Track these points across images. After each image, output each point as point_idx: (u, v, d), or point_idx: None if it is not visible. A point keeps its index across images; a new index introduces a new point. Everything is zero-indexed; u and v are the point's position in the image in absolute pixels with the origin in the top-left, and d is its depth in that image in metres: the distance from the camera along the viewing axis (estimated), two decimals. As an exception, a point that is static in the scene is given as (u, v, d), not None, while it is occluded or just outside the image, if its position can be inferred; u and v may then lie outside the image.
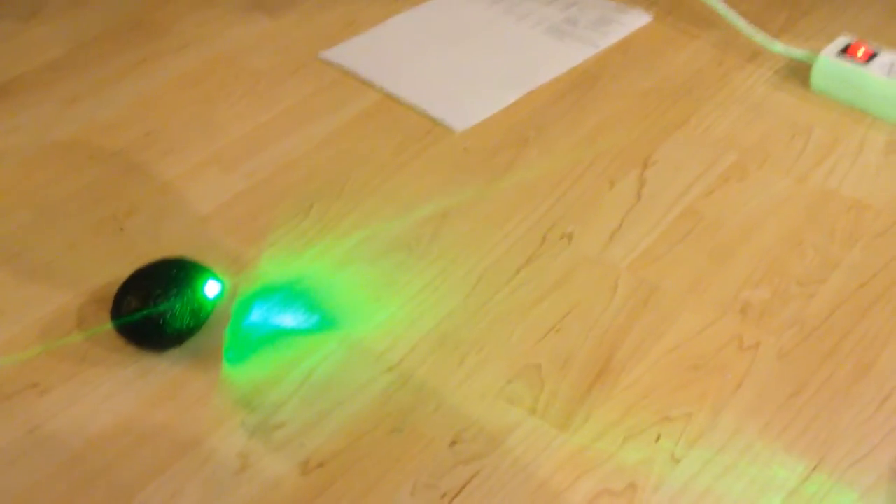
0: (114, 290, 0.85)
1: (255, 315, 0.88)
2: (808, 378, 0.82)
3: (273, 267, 0.94)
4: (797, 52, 1.19)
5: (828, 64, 1.13)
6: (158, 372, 0.83)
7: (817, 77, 1.14)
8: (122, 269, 0.87)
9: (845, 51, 1.13)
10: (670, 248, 0.95)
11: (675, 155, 1.06)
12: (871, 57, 1.11)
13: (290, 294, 0.91)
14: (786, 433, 0.78)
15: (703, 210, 0.99)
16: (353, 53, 1.22)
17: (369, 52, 1.22)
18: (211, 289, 0.85)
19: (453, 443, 0.77)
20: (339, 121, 1.11)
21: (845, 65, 1.11)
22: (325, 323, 0.88)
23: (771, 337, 0.86)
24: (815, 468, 0.75)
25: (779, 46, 1.20)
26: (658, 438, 0.77)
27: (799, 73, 1.17)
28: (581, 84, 1.17)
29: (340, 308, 0.89)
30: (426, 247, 0.96)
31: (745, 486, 0.74)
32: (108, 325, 0.84)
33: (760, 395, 0.81)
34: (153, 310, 0.81)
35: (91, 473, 0.75)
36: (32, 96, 1.13)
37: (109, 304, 0.85)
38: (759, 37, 1.22)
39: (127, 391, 0.81)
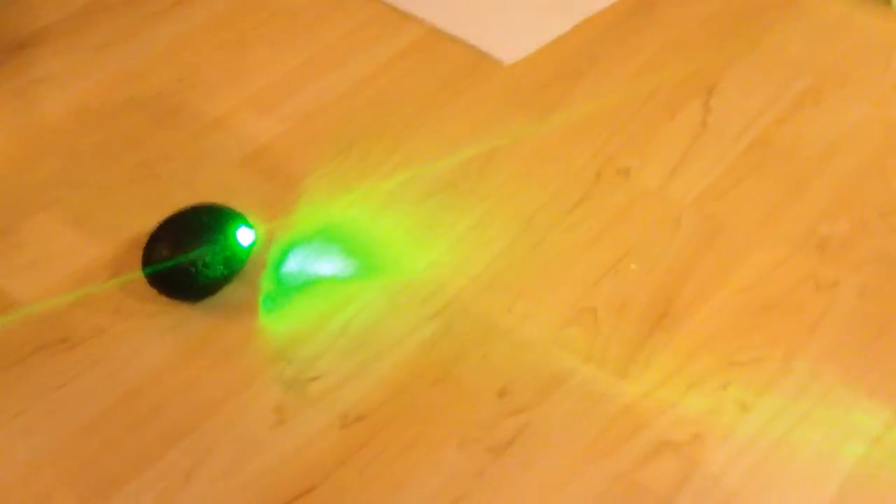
0: (148, 238, 0.81)
1: (293, 262, 0.84)
2: (892, 318, 0.75)
3: (311, 212, 0.89)
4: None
5: (912, -24, 1.03)
6: (192, 323, 0.79)
7: (900, -9, 1.04)
8: (158, 217, 0.83)
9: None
10: (738, 181, 0.87)
11: (743, 81, 0.98)
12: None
13: (329, 240, 0.86)
14: (867, 378, 0.71)
15: (774, 139, 0.91)
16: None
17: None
18: (244, 236, 0.80)
19: (502, 393, 0.72)
20: (380, 58, 1.05)
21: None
22: (366, 269, 0.83)
23: (851, 274, 0.78)
24: (902, 416, 0.68)
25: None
26: (726, 386, 0.71)
27: (879, -12, 1.07)
28: (637, 10, 1.09)
29: (382, 253, 0.84)
30: (473, 185, 0.90)
31: (823, 435, 0.67)
32: (140, 275, 0.80)
33: (839, 338, 0.74)
34: (183, 258, 0.76)
35: (120, 430, 0.71)
36: (62, 44, 1.09)
37: (142, 254, 0.81)
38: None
39: (159, 343, 0.78)
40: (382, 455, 0.68)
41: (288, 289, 0.81)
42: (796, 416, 0.68)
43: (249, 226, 0.81)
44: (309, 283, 0.81)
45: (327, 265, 0.83)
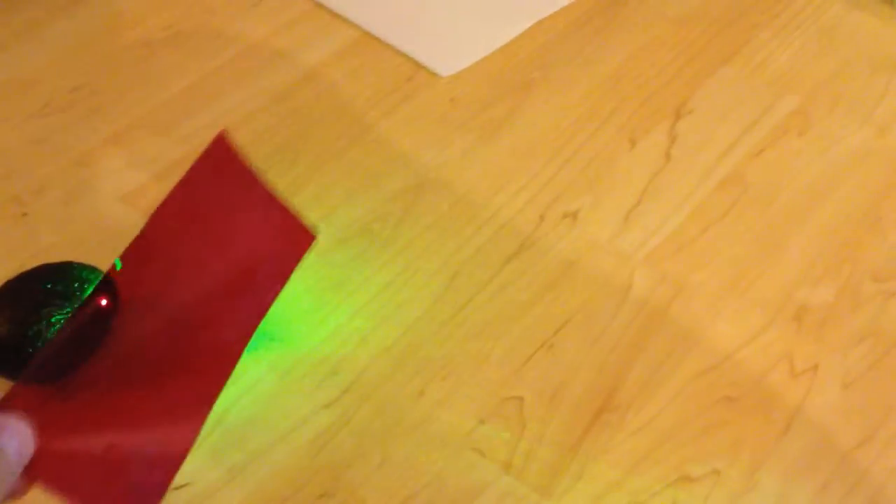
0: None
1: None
2: (882, 418, 0.61)
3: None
4: (882, -42, 0.93)
5: (922, -26, 0.87)
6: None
7: (908, -9, 0.89)
8: (19, 266, 0.69)
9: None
10: (703, 230, 0.73)
11: (718, 100, 0.83)
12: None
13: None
14: (849, 500, 0.58)
15: (750, 176, 0.77)
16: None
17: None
18: (105, 301, 0.67)
19: (398, 514, 0.59)
20: (303, 66, 0.91)
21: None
22: (254, 341, 0.69)
23: (834, 356, 0.65)
24: (889, 557, 0.55)
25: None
26: (673, 508, 0.58)
27: (884, -14, 0.92)
28: (601, 11, 0.94)
29: (275, 319, 0.71)
30: (392, 231, 0.76)
31: (791, 582, 0.54)
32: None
33: (817, 444, 0.60)
34: (19, 337, 0.63)
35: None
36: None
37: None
38: (833, -60, 0.96)
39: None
40: None
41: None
42: (757, 555, 0.55)
43: (114, 291, 0.68)
44: None
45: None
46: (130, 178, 0.82)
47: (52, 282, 0.65)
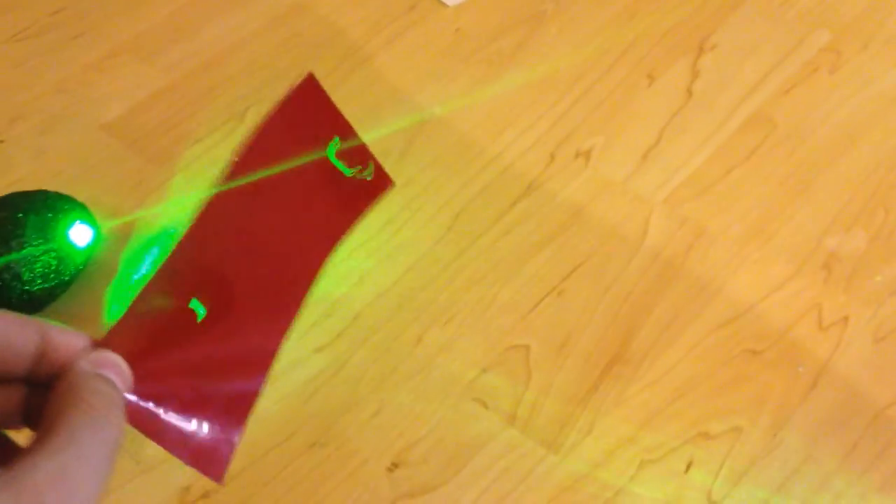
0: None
1: (152, 268, 0.65)
2: (917, 374, 0.57)
3: (185, 196, 0.70)
4: None
5: None
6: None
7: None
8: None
9: None
10: (727, 172, 0.68)
11: (744, 35, 0.78)
12: None
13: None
14: (881, 462, 0.53)
15: (777, 115, 0.71)
16: None
17: None
18: (80, 234, 0.62)
19: (394, 466, 0.54)
20: (297, -8, 0.85)
21: None
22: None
23: (866, 308, 0.60)
24: (923, 523, 0.51)
25: None
26: (689, 467, 0.53)
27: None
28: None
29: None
30: (393, 168, 0.70)
31: (816, 548, 0.50)
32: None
33: (846, 401, 0.56)
34: (-11, 268, 0.58)
35: None
36: None
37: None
38: None
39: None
40: (230, 549, 0.52)
41: (141, 303, 0.63)
42: (780, 518, 0.51)
43: (89, 220, 0.63)
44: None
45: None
46: (112, 107, 0.77)
47: (24, 211, 0.60)
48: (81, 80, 0.79)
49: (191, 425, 0.29)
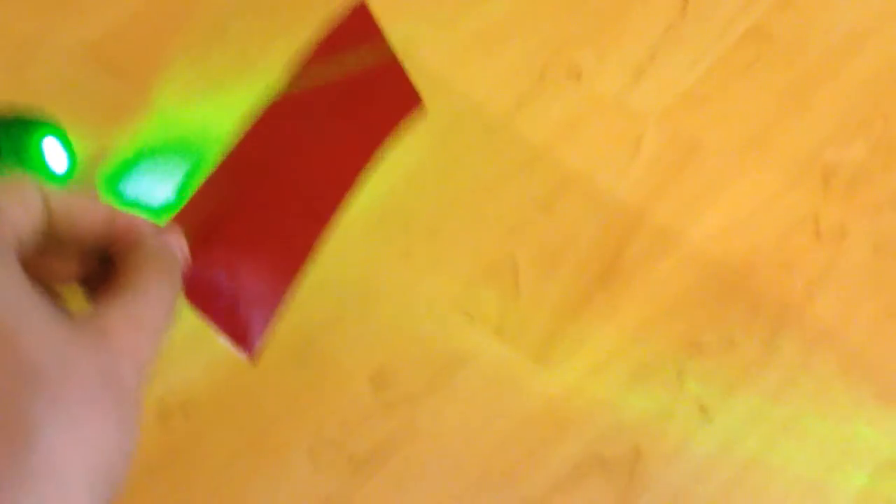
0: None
1: (131, 191, 0.64)
2: (917, 284, 0.55)
3: (165, 117, 0.68)
4: None
5: None
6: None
7: None
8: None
9: None
10: (723, 86, 0.66)
11: (741, -50, 0.75)
12: None
13: (184, 158, 0.66)
14: (882, 371, 0.52)
15: (773, 29, 0.69)
16: None
17: None
18: (56, 158, 0.60)
19: (377, 378, 0.53)
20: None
21: None
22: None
23: (864, 219, 0.58)
24: (922, 430, 0.49)
25: None
26: (681, 377, 0.52)
27: None
28: None
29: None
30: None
31: (813, 455, 0.49)
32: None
33: (844, 311, 0.54)
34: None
35: None
36: None
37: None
38: None
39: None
40: (209, 461, 0.50)
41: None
42: (776, 426, 0.49)
43: (65, 143, 0.61)
44: (153, 216, 0.62)
45: (173, 190, 0.63)
46: (91, 27, 0.74)
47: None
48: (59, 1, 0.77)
49: (232, 304, 0.32)
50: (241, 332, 0.32)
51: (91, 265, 0.29)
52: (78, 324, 0.24)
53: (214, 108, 0.68)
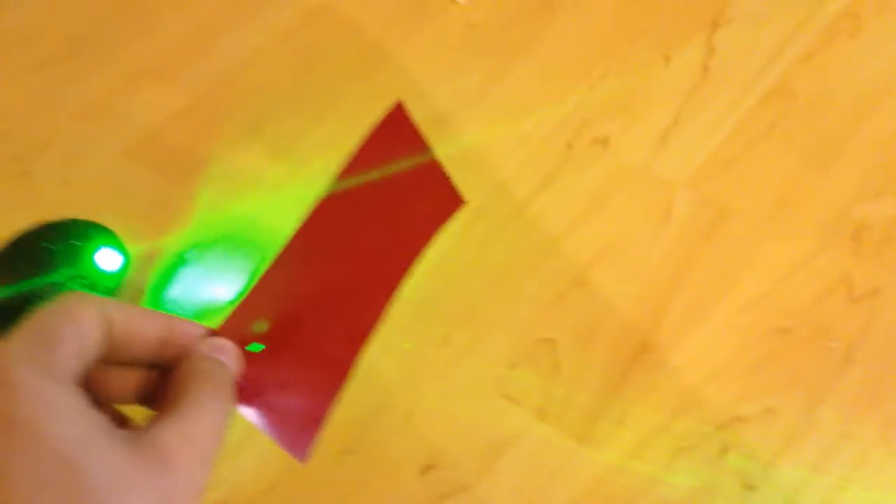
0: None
1: (181, 289, 0.66)
2: (955, 342, 0.55)
3: (209, 215, 0.71)
4: None
5: None
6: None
7: None
8: (26, 224, 0.66)
9: None
10: (748, 147, 0.67)
11: (759, 5, 0.76)
12: None
13: (232, 252, 0.68)
14: (921, 435, 0.52)
15: (797, 86, 0.70)
16: None
17: None
18: (108, 260, 0.63)
19: (426, 468, 0.54)
20: (306, 0, 0.85)
21: None
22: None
23: (898, 277, 0.59)
24: (968, 495, 0.50)
25: None
26: (724, 452, 0.53)
27: None
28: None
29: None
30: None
31: (858, 526, 0.49)
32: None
33: (883, 374, 0.55)
34: (18, 296, 0.59)
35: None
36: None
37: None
38: None
39: None
40: (269, 561, 0.52)
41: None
42: (820, 498, 0.50)
43: (116, 246, 0.64)
44: (201, 316, 0.64)
45: (228, 290, 0.66)
46: (133, 130, 0.78)
47: (51, 241, 0.61)
48: (103, 105, 0.80)
49: (282, 409, 0.33)
50: (292, 437, 0.33)
51: (148, 377, 0.30)
52: (137, 447, 0.25)
53: (252, 200, 0.71)
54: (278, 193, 0.71)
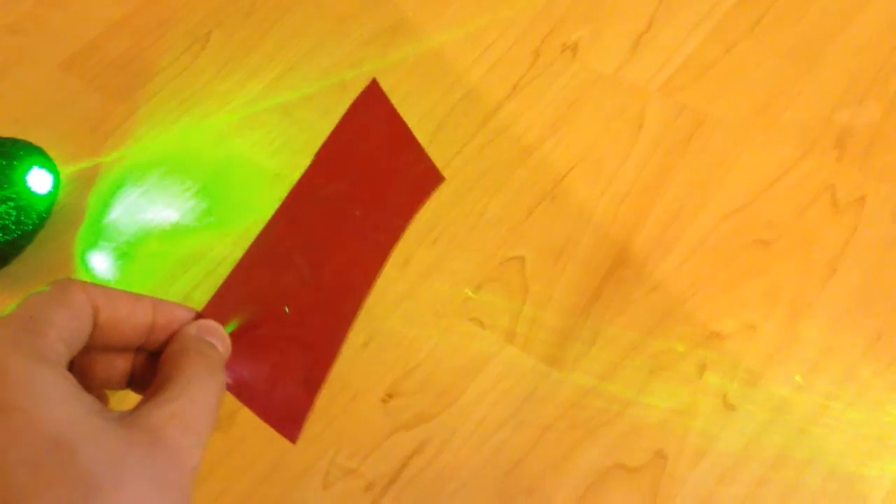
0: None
1: (120, 210, 0.62)
2: (944, 251, 0.53)
3: (150, 132, 0.66)
4: None
5: None
6: (-15, 305, 0.58)
7: None
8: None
9: None
10: (725, 51, 0.63)
11: None
12: None
13: (172, 174, 0.64)
14: (909, 348, 0.50)
15: (776, -15, 0.66)
16: None
17: None
18: (39, 181, 0.58)
19: (388, 397, 0.51)
20: None
21: None
22: (222, 216, 0.61)
23: (884, 184, 0.56)
24: (957, 409, 0.47)
25: None
26: (702, 370, 0.50)
27: None
28: None
29: (243, 191, 0.62)
30: (367, 80, 0.66)
31: (843, 445, 0.47)
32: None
33: (868, 287, 0.52)
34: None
35: None
36: None
37: None
38: None
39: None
40: (226, 484, 0.49)
41: (114, 249, 0.60)
42: (803, 416, 0.47)
43: (48, 165, 0.59)
44: (145, 240, 0.60)
45: (172, 210, 0.62)
46: (71, 41, 0.72)
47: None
48: (33, 16, 0.74)
49: (272, 390, 0.33)
50: (283, 418, 0.33)
51: (135, 361, 0.30)
52: (129, 426, 0.25)
53: (195, 120, 0.66)
54: (224, 111, 0.66)
